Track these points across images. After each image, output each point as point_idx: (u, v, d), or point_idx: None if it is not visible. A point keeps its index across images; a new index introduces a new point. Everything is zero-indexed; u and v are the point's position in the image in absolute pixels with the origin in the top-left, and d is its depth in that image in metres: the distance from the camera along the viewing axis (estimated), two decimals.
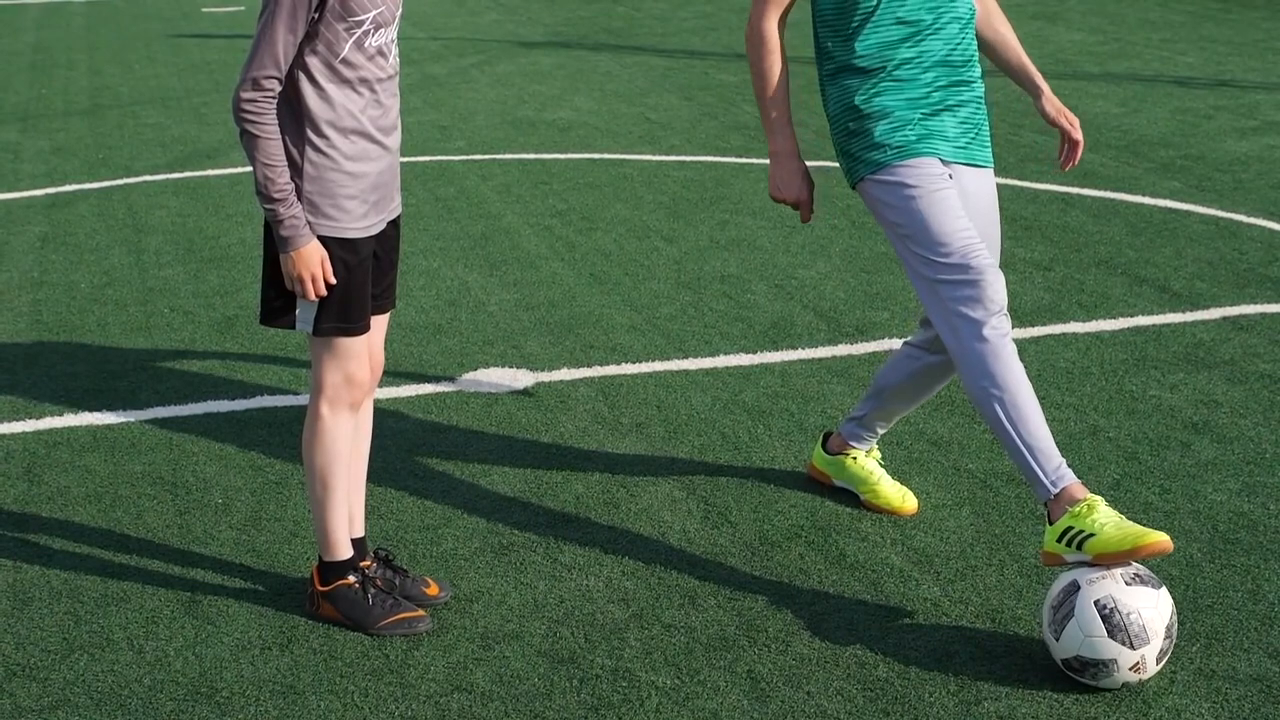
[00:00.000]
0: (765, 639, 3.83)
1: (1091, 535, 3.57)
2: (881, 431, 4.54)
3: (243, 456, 4.93)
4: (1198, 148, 8.98)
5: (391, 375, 5.56)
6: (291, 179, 3.61)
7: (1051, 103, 4.16)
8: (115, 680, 3.68)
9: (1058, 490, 3.69)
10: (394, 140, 3.78)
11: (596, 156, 9.10)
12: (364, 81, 3.65)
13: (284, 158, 3.59)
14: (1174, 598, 3.94)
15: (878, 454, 4.60)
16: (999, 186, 8.04)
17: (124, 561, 4.26)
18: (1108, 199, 7.87)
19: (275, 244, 3.67)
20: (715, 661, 3.73)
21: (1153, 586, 3.56)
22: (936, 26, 3.94)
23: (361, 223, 3.72)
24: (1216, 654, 3.72)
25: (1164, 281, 6.53)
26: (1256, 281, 6.51)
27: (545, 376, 5.59)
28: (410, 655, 3.78)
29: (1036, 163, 8.69)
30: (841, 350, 5.82)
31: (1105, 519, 3.58)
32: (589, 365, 5.70)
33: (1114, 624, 3.48)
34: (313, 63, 3.59)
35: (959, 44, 3.98)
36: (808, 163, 8.56)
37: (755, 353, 5.80)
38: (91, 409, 5.32)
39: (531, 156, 9.12)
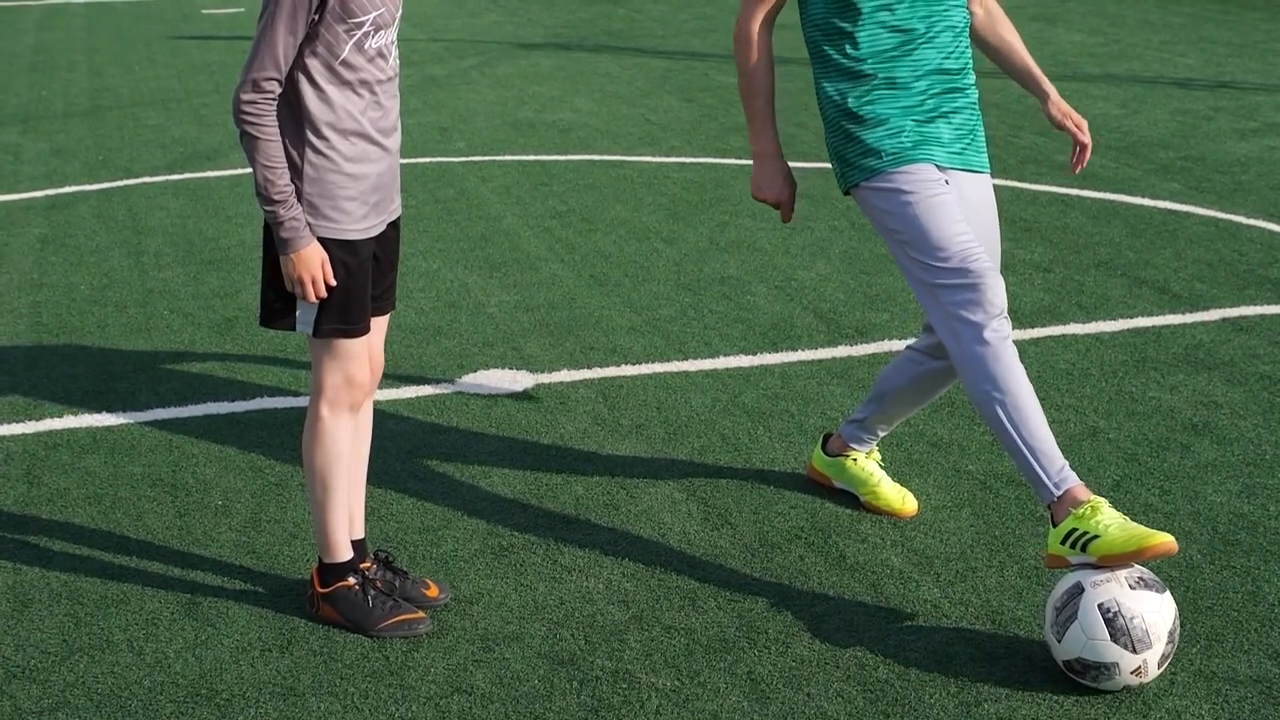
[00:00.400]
0: (765, 640, 3.83)
1: (1096, 537, 3.57)
2: (882, 434, 4.54)
3: (242, 458, 4.93)
4: (1198, 149, 8.98)
5: (391, 377, 5.56)
6: (291, 181, 3.61)
7: (1058, 107, 4.15)
8: (115, 682, 3.68)
9: (1061, 492, 3.69)
10: (394, 142, 3.78)
11: (596, 158, 9.10)
12: (364, 83, 3.65)
13: (284, 159, 3.59)
14: (1174, 599, 3.94)
15: (878, 455, 4.60)
16: (999, 188, 8.05)
17: (124, 563, 4.26)
18: (1107, 200, 7.87)
19: (275, 246, 3.67)
20: (715, 663, 3.73)
21: (1157, 591, 3.56)
22: (930, 35, 3.94)
23: (361, 224, 3.72)
24: (1216, 655, 3.72)
25: (1164, 283, 6.53)
26: (1256, 283, 6.51)
27: (545, 378, 5.59)
28: (410, 657, 3.78)
29: (1036, 164, 8.69)
30: (841, 352, 5.83)
31: (1110, 520, 3.58)
32: (589, 367, 5.70)
33: (1117, 627, 3.48)
34: (313, 64, 3.59)
35: (953, 51, 3.99)
36: (809, 165, 8.60)
37: (755, 354, 5.80)
38: (91, 411, 5.32)
39: (531, 158, 9.12)
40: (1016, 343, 5.76)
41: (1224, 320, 6.07)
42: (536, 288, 6.63)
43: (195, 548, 4.34)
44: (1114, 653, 3.49)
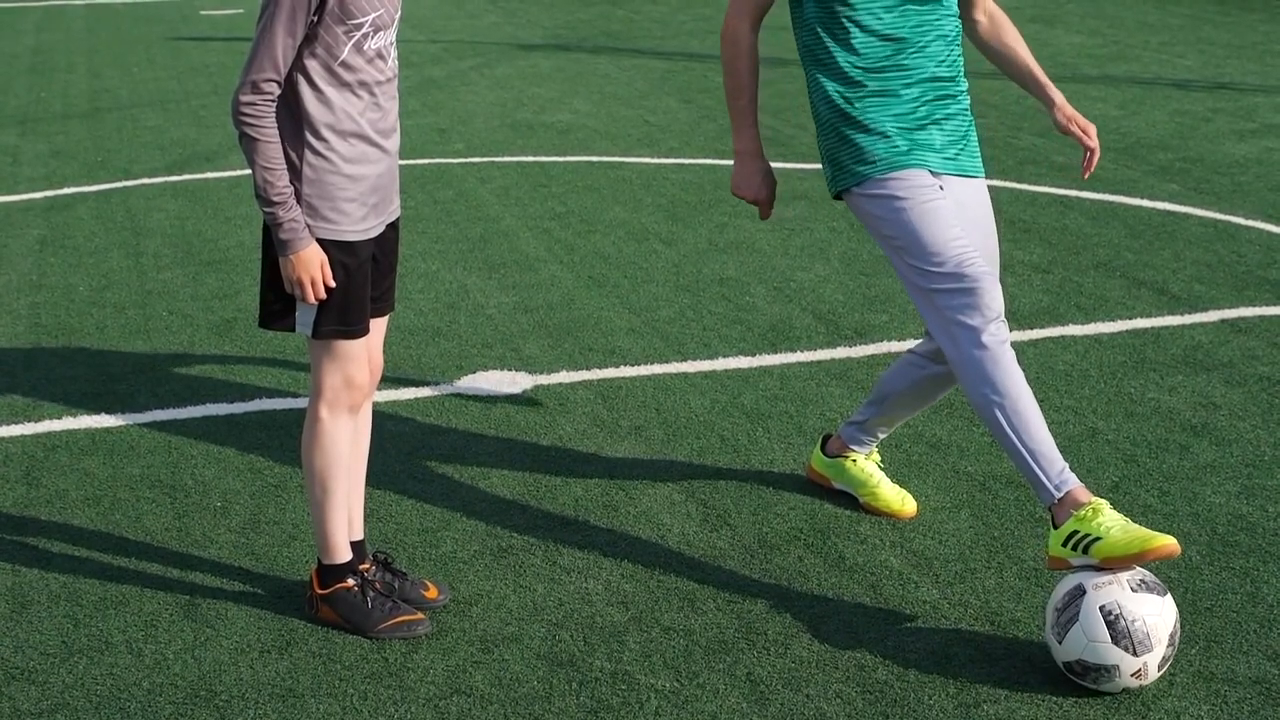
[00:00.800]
0: (764, 642, 3.83)
1: (1098, 539, 3.57)
2: (882, 436, 4.54)
3: (241, 459, 4.93)
4: (1196, 150, 8.98)
5: (390, 378, 5.56)
6: (290, 182, 3.61)
7: (1063, 112, 4.12)
8: (114, 683, 3.68)
9: (1061, 494, 3.69)
10: (393, 143, 3.78)
11: (595, 159, 9.10)
12: (363, 84, 3.65)
13: (283, 161, 3.59)
14: (1174, 602, 3.94)
15: (877, 457, 4.60)
16: (998, 189, 8.05)
17: (123, 565, 4.25)
18: (1106, 201, 7.87)
19: (274, 247, 3.66)
20: (714, 664, 3.73)
21: (1158, 593, 3.55)
22: (921, 44, 3.95)
23: (360, 225, 3.72)
24: (1215, 656, 3.72)
25: (1162, 284, 6.53)
26: (1255, 284, 6.51)
27: (544, 379, 5.59)
28: (409, 658, 3.78)
29: (1035, 165, 8.69)
30: (840, 353, 5.83)
31: (1111, 522, 3.58)
32: (587, 368, 5.70)
33: (1118, 630, 3.48)
34: (311, 66, 3.59)
35: (944, 59, 4.00)
36: (809, 166, 8.60)
37: (754, 355, 5.80)
38: (90, 412, 5.32)
39: (530, 159, 9.12)
40: (1015, 344, 5.78)
41: (1223, 321, 6.07)
42: (535, 289, 6.63)
43: (194, 549, 4.34)
44: (1115, 655, 3.49)
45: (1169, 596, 3.58)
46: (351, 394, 3.81)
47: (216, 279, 6.83)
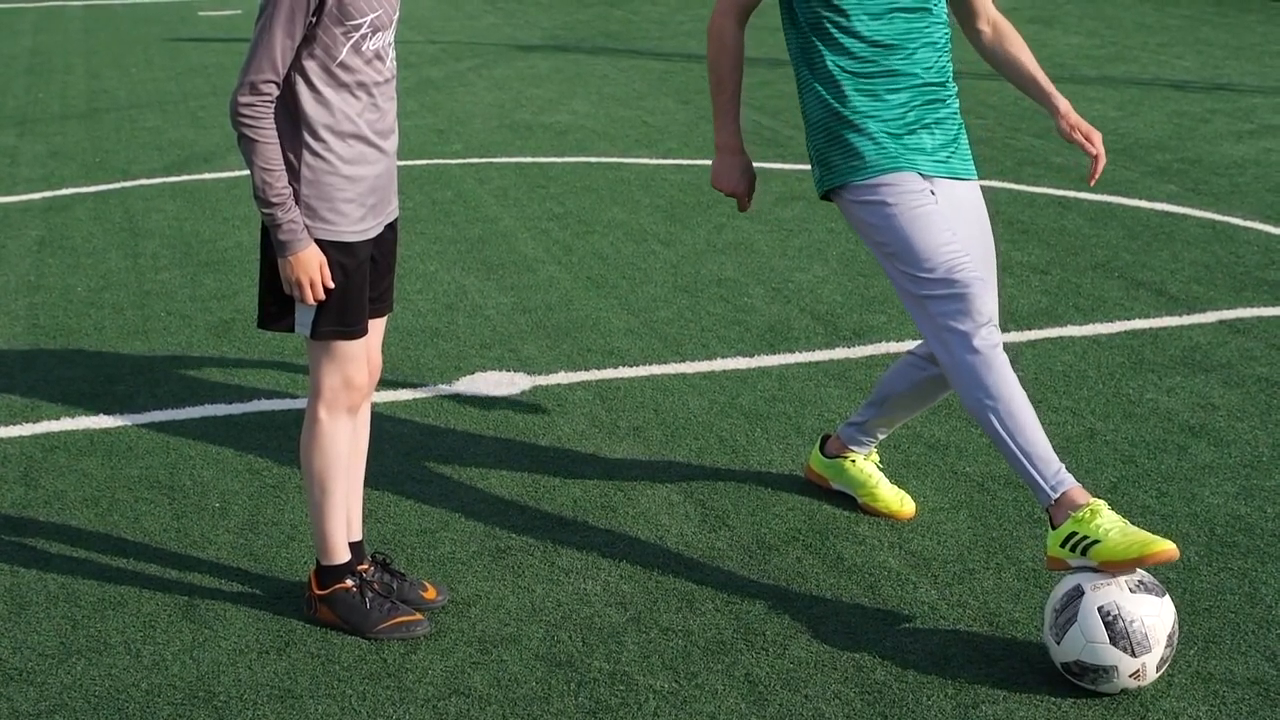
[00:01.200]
0: (763, 642, 3.83)
1: (1096, 542, 3.57)
2: (882, 437, 4.55)
3: (240, 460, 4.93)
4: (1194, 151, 8.98)
5: (389, 379, 5.56)
6: (289, 183, 3.61)
7: (1068, 120, 4.10)
8: (113, 684, 3.68)
9: (1058, 495, 3.69)
10: (391, 144, 3.78)
11: (593, 160, 9.10)
12: (361, 85, 3.65)
13: (282, 162, 3.58)
14: (1173, 602, 3.94)
15: (876, 457, 4.60)
16: (996, 190, 8.05)
17: (121, 565, 4.25)
18: (1104, 202, 7.87)
19: (273, 248, 3.66)
20: (713, 665, 3.73)
21: (1156, 594, 3.56)
22: (909, 50, 3.97)
23: (359, 226, 3.72)
24: (1214, 657, 3.73)
25: (1161, 285, 6.54)
26: (1253, 285, 6.51)
27: (542, 380, 5.59)
28: (408, 659, 3.78)
29: (1033, 166, 8.69)
30: (839, 353, 5.83)
31: (1109, 524, 3.58)
32: (586, 369, 5.70)
33: (1117, 631, 3.48)
34: (310, 66, 3.59)
35: (933, 65, 4.02)
36: (805, 168, 8.60)
37: (752, 356, 5.81)
38: (88, 413, 5.32)
39: (528, 160, 9.12)
40: (1014, 345, 5.79)
41: (1221, 322, 6.08)
42: (534, 290, 6.63)
43: (193, 550, 4.34)
44: (1113, 656, 3.49)
45: (1167, 597, 3.58)
46: (350, 395, 3.81)
47: (215, 280, 6.83)
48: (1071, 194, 8.06)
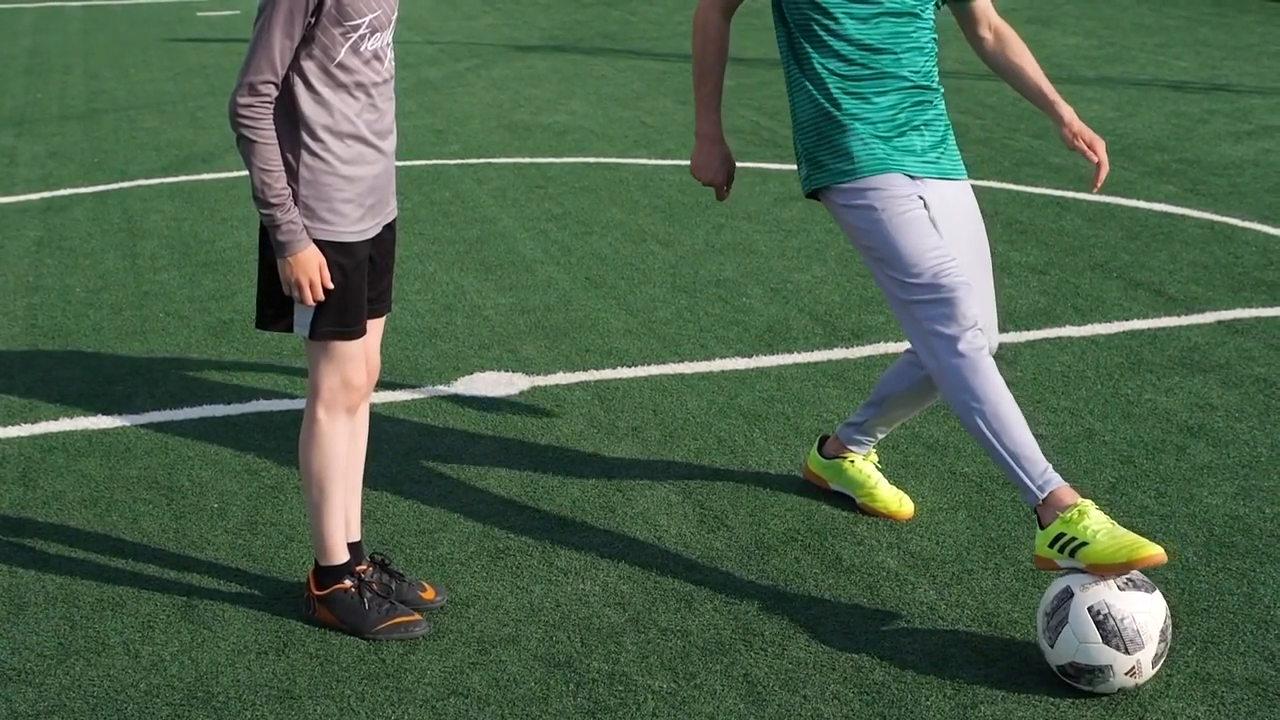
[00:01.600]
0: (761, 643, 3.83)
1: (1085, 544, 3.58)
2: (880, 436, 4.55)
3: (238, 461, 4.93)
4: (1193, 151, 8.99)
5: (387, 379, 5.56)
6: (288, 184, 3.61)
7: (1070, 128, 4.09)
8: (111, 685, 3.68)
9: (1045, 495, 3.71)
10: (389, 144, 3.78)
11: (592, 160, 9.11)
12: (360, 85, 3.65)
13: (281, 163, 3.58)
14: (1170, 602, 3.94)
15: (875, 457, 4.60)
16: (995, 190, 8.06)
17: (120, 566, 4.25)
18: (1103, 203, 7.87)
19: (272, 249, 3.66)
20: (711, 665, 3.74)
21: (1146, 590, 3.56)
22: (897, 53, 3.98)
23: (357, 226, 3.72)
24: (1212, 657, 3.73)
25: (1159, 285, 6.54)
26: (1251, 285, 6.51)
27: (541, 380, 5.59)
28: (406, 659, 3.78)
29: (1031, 166, 8.70)
30: (837, 354, 5.83)
31: (1097, 526, 3.59)
32: (584, 369, 5.70)
33: (1108, 630, 3.49)
34: (308, 67, 3.59)
35: (920, 69, 4.03)
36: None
37: (751, 356, 5.81)
38: (87, 413, 5.32)
39: (527, 160, 9.12)
40: (1012, 345, 5.79)
41: (1219, 323, 6.08)
42: (532, 290, 6.63)
43: (191, 551, 4.34)
44: (1107, 655, 3.49)
45: (1157, 592, 3.59)
46: (349, 395, 3.81)
47: (213, 280, 6.83)
48: (1070, 194, 8.06)
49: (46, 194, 8.44)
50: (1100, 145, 4.10)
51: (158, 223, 7.80)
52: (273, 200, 3.57)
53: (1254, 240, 7.19)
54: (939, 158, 4.04)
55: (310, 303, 3.65)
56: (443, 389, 5.53)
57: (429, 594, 4.01)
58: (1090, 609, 3.51)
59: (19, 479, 4.81)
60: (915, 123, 4.01)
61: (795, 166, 8.55)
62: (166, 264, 7.09)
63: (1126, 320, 6.13)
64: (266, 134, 3.55)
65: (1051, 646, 3.57)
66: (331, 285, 3.67)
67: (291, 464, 4.85)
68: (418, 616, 3.91)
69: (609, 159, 9.13)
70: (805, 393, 5.44)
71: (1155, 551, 3.51)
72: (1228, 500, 4.56)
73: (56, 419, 5.28)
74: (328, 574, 3.90)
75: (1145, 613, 3.52)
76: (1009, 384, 5.38)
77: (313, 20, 3.55)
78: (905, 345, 5.81)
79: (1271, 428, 5.07)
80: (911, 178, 3.97)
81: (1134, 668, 3.50)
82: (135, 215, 7.95)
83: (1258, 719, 3.49)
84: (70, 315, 6.38)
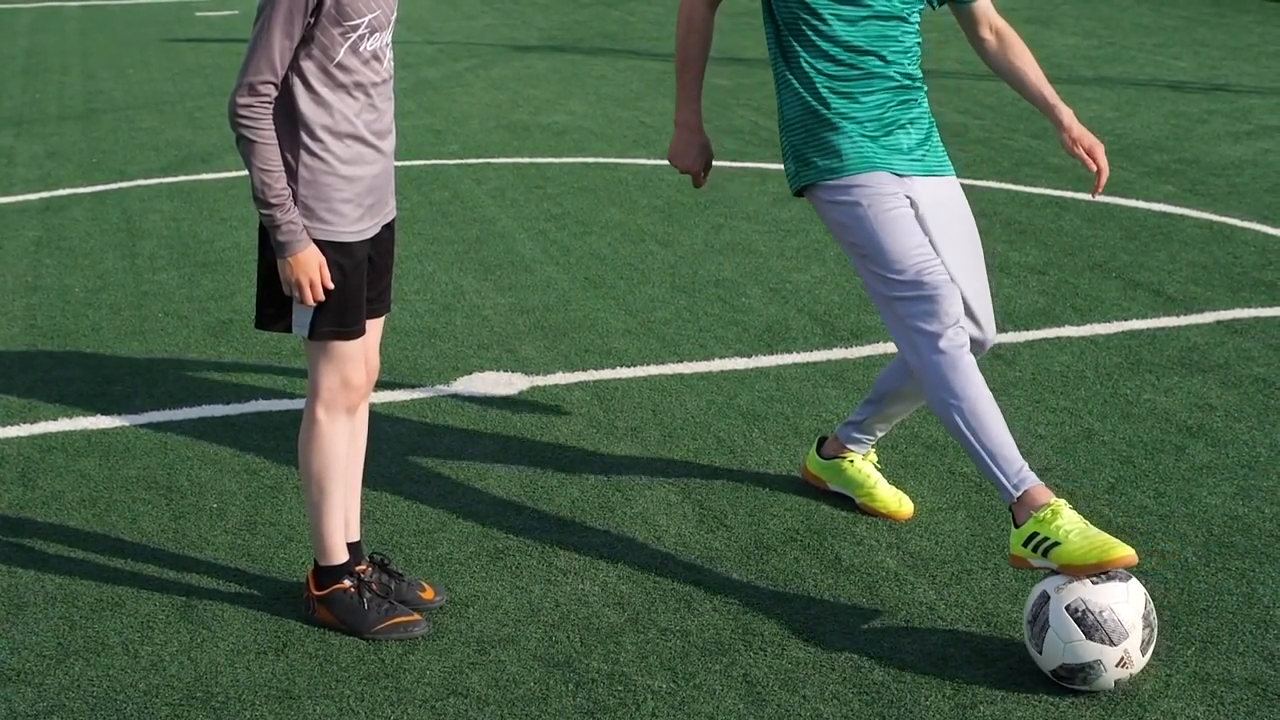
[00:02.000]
0: (761, 643, 3.83)
1: (1057, 544, 3.60)
2: (880, 435, 4.55)
3: (238, 461, 4.93)
4: (1192, 152, 8.99)
5: (386, 379, 5.56)
6: (287, 184, 3.61)
7: (1070, 134, 4.08)
8: (110, 685, 3.68)
9: (1020, 493, 3.74)
10: (389, 144, 3.78)
11: (591, 160, 9.11)
12: (359, 85, 3.65)
13: (281, 163, 3.58)
14: (1169, 602, 3.95)
15: (874, 457, 4.61)
16: (994, 190, 8.06)
17: (119, 566, 4.25)
18: (1102, 203, 7.88)
19: (271, 249, 3.66)
20: (711, 665, 3.74)
21: (1120, 580, 3.58)
22: (884, 54, 4.01)
23: (356, 226, 3.72)
24: (1211, 657, 3.73)
25: (1158, 285, 6.54)
26: (1250, 285, 6.52)
27: (540, 380, 5.59)
28: (406, 659, 3.78)
29: (1031, 166, 8.70)
30: (836, 354, 5.83)
31: (1070, 526, 3.62)
32: (584, 369, 5.70)
33: (1089, 624, 3.51)
34: (307, 67, 3.59)
35: (907, 70, 4.06)
36: None
37: (750, 356, 5.81)
38: (86, 413, 5.32)
39: (526, 160, 9.12)
40: (1011, 345, 5.80)
41: (1218, 323, 6.08)
42: (531, 290, 6.63)
43: (190, 551, 4.34)
44: (1093, 650, 3.50)
45: (1133, 580, 3.60)
46: (348, 395, 3.81)
47: (212, 280, 6.83)
48: (1069, 194, 8.06)
49: (45, 194, 8.44)
50: (1100, 151, 4.09)
51: (156, 223, 7.80)
52: (272, 200, 3.57)
53: (1253, 240, 7.19)
54: (925, 155, 4.07)
55: (310, 303, 3.65)
56: (442, 389, 5.53)
57: (428, 594, 4.01)
58: (1068, 608, 3.53)
59: (18, 479, 4.81)
60: (901, 121, 4.03)
61: None
62: (165, 264, 7.08)
63: (1125, 320, 6.13)
64: (266, 134, 3.55)
65: (1040, 652, 3.58)
66: (331, 285, 3.67)
67: (291, 464, 4.85)
68: (417, 616, 3.91)
69: (608, 159, 9.14)
70: (804, 393, 5.44)
71: (1127, 552, 3.54)
72: (1227, 500, 4.56)
73: (55, 419, 5.28)
74: (327, 574, 3.90)
75: (1123, 602, 3.54)
76: (1009, 384, 5.42)
77: (312, 20, 3.55)
78: None
79: (1270, 428, 5.08)
80: (898, 176, 4.00)
81: (1123, 658, 3.51)
82: (134, 215, 7.95)
83: (1257, 719, 3.49)
84: (69, 315, 6.37)
